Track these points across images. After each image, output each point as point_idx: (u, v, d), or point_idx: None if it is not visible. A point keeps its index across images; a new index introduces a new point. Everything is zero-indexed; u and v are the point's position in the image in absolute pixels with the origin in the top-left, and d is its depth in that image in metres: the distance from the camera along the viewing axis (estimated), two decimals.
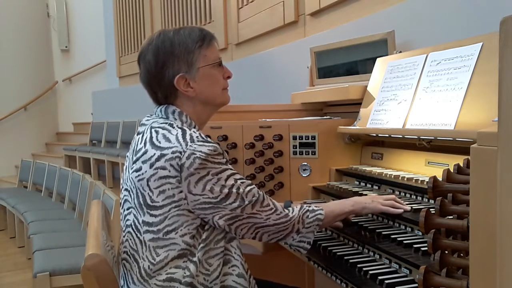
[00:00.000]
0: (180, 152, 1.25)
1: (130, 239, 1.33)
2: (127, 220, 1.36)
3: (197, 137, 1.29)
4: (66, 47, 9.18)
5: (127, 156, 1.41)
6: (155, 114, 1.42)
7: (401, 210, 1.47)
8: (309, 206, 1.45)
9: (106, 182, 5.73)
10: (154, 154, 1.27)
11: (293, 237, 1.41)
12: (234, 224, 1.31)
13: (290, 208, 1.42)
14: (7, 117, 7.90)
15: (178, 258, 1.29)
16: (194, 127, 1.39)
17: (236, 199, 1.28)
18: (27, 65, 8.10)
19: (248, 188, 1.31)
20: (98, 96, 7.70)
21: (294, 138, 2.06)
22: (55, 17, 8.97)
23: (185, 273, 1.28)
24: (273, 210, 1.35)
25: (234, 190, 1.28)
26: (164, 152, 1.26)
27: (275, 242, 1.42)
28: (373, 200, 1.52)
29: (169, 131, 1.31)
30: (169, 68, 1.37)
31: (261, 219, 1.33)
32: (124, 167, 1.42)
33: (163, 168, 1.26)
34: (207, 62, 1.40)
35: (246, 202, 1.30)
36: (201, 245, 1.30)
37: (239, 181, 1.30)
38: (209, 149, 1.27)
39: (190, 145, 1.26)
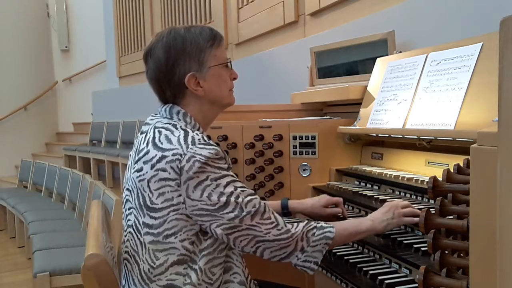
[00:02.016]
0: (181, 155, 1.23)
1: (131, 240, 1.32)
2: (129, 220, 1.35)
3: (199, 139, 1.26)
4: (66, 47, 9.19)
5: (130, 155, 1.40)
6: (159, 113, 1.40)
7: (419, 218, 1.42)
8: (317, 223, 1.34)
9: (106, 182, 5.73)
10: (156, 155, 1.26)
11: (297, 256, 1.30)
12: (233, 235, 1.25)
13: (294, 224, 1.32)
14: (7, 117, 7.89)
15: (178, 264, 1.27)
16: (198, 129, 1.37)
17: (234, 209, 1.23)
18: (27, 65, 8.10)
19: (249, 197, 1.26)
20: (98, 96, 7.70)
21: (294, 138, 2.06)
22: (55, 17, 8.98)
23: (185, 280, 1.26)
24: (274, 224, 1.27)
25: (232, 198, 1.23)
26: (165, 153, 1.25)
27: (278, 260, 1.31)
28: (393, 213, 1.41)
29: (172, 132, 1.29)
30: (180, 65, 1.34)
31: (260, 232, 1.25)
32: (127, 166, 1.40)
33: (164, 170, 1.24)
34: (217, 62, 1.39)
35: (245, 213, 1.24)
36: (203, 253, 1.27)
37: (239, 189, 1.25)
38: (209, 153, 1.24)
39: (190, 148, 1.24)
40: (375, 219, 1.41)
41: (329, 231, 1.32)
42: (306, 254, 1.30)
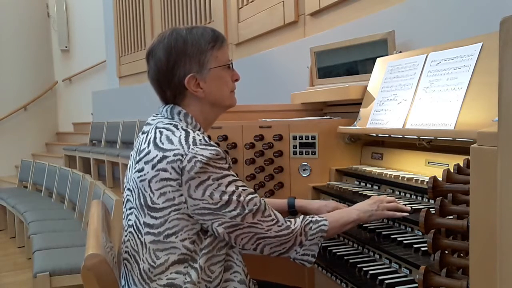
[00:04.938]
0: (182, 155, 1.24)
1: (132, 239, 1.33)
2: (129, 220, 1.35)
3: (200, 140, 1.27)
4: (66, 47, 9.18)
5: (131, 155, 1.40)
6: (161, 114, 1.40)
7: (406, 214, 1.46)
8: (312, 217, 1.40)
9: (106, 182, 5.72)
10: (157, 155, 1.26)
11: (296, 250, 1.35)
12: (234, 233, 1.27)
13: (292, 220, 1.37)
14: (7, 117, 7.90)
15: (178, 263, 1.27)
16: (199, 129, 1.37)
17: (236, 207, 1.26)
18: (27, 65, 8.10)
19: (250, 196, 1.28)
20: (98, 96, 7.70)
21: (294, 138, 2.06)
22: (55, 17, 8.97)
23: (186, 279, 1.27)
24: (274, 221, 1.31)
25: (234, 197, 1.26)
26: (166, 154, 1.25)
27: (277, 256, 1.35)
28: (378, 206, 1.49)
29: (173, 133, 1.30)
30: (181, 67, 1.34)
31: (262, 229, 1.29)
32: (128, 166, 1.41)
33: (165, 170, 1.25)
34: (218, 64, 1.39)
35: (247, 211, 1.26)
36: (203, 251, 1.28)
37: (240, 188, 1.28)
38: (211, 153, 1.25)
39: (192, 148, 1.24)
40: (361, 210, 1.48)
41: (324, 224, 1.39)
42: (304, 248, 1.36)
